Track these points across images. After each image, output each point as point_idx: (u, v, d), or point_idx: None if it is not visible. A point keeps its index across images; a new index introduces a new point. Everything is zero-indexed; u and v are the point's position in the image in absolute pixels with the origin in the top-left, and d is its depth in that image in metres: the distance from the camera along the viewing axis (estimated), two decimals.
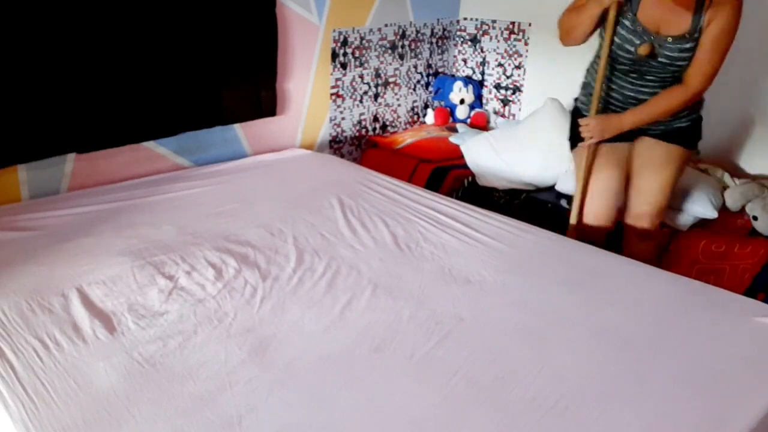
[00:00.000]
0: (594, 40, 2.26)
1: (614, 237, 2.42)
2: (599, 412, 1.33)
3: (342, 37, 3.17)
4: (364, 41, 3.29)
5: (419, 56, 3.65)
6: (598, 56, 2.24)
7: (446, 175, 3.10)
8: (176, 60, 2.47)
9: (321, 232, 2.12)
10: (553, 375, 1.43)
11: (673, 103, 2.10)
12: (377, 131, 3.57)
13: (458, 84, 3.71)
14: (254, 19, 2.69)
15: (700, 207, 2.52)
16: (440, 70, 3.84)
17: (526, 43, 3.56)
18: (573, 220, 2.38)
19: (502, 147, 3.05)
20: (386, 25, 3.38)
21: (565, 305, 1.73)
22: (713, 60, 2.01)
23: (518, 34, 3.58)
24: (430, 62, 3.74)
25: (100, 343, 1.49)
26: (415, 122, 3.79)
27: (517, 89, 3.67)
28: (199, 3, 2.48)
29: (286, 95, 2.99)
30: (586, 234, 2.34)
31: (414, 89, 3.71)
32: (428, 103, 3.84)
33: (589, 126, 2.22)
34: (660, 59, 2.07)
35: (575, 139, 2.38)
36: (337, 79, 3.23)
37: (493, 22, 3.66)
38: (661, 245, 2.41)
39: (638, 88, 2.17)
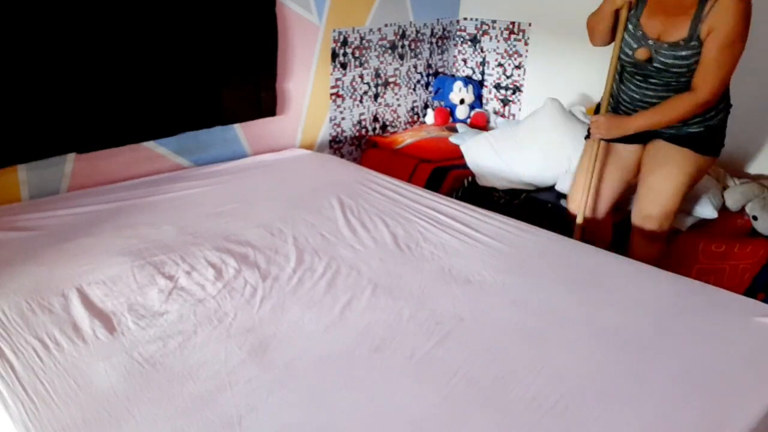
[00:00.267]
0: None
1: (620, 238, 2.42)
2: (599, 412, 1.33)
3: (342, 37, 3.17)
4: (364, 41, 3.29)
5: (419, 56, 3.65)
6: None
7: (446, 175, 3.10)
8: (176, 60, 2.47)
9: (321, 232, 2.12)
10: (553, 375, 1.43)
11: (680, 110, 2.08)
12: (377, 131, 3.57)
13: (458, 84, 3.71)
14: (254, 19, 2.69)
15: (700, 207, 2.52)
16: (440, 70, 3.84)
17: (526, 43, 3.56)
18: (573, 206, 2.46)
19: (502, 147, 3.05)
20: (386, 25, 3.38)
21: (565, 305, 1.73)
22: (719, 67, 1.99)
23: (518, 34, 3.58)
24: (430, 62, 3.75)
25: (100, 343, 1.49)
26: (415, 122, 3.79)
27: (517, 89, 3.67)
28: (199, 3, 2.48)
29: (286, 95, 2.99)
30: (588, 225, 2.41)
31: (414, 89, 3.71)
32: (428, 103, 3.84)
33: (598, 123, 2.25)
34: (655, 64, 2.08)
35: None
36: (337, 79, 3.23)
37: (493, 22, 3.66)
38: (666, 249, 2.40)
39: (643, 91, 2.18)
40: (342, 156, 3.39)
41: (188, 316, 1.61)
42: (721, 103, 2.14)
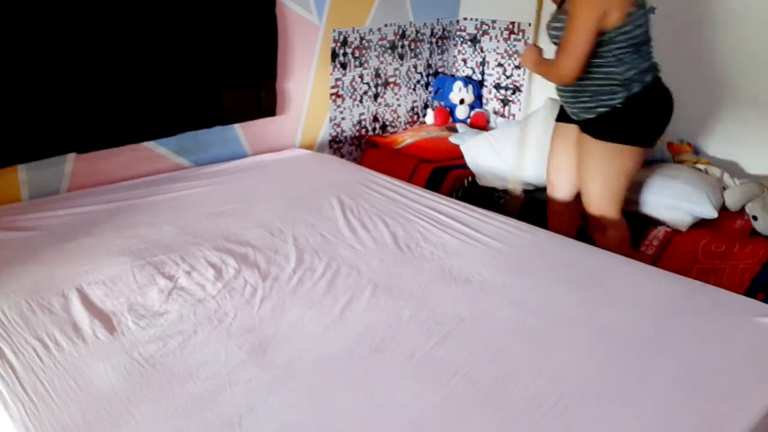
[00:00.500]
0: None
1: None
2: (599, 412, 1.33)
3: (342, 37, 3.17)
4: (364, 41, 3.29)
5: (419, 56, 3.65)
6: None
7: (446, 175, 3.10)
8: (176, 60, 2.47)
9: (321, 232, 2.12)
10: (553, 375, 1.43)
11: (548, 72, 2.29)
12: (377, 131, 3.57)
13: (458, 84, 3.71)
14: (254, 19, 2.69)
15: (700, 207, 2.52)
16: (440, 70, 3.84)
17: (526, 43, 3.55)
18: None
19: (502, 147, 3.04)
20: (386, 25, 3.38)
21: (565, 305, 1.73)
22: (566, 45, 2.15)
23: (518, 34, 3.58)
24: (429, 62, 3.75)
25: (100, 343, 1.49)
26: (415, 122, 3.79)
27: (516, 89, 3.67)
28: (199, 3, 2.48)
29: (286, 95, 2.99)
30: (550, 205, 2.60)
31: (414, 89, 3.71)
32: (428, 103, 3.84)
33: (525, 53, 2.44)
34: (548, 31, 2.33)
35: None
36: (337, 79, 3.23)
37: (493, 22, 3.66)
38: (625, 241, 2.43)
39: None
40: (342, 156, 3.39)
41: (188, 316, 1.61)
42: (618, 91, 2.19)
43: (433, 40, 3.71)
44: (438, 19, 3.69)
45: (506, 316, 1.67)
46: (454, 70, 3.93)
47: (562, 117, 2.48)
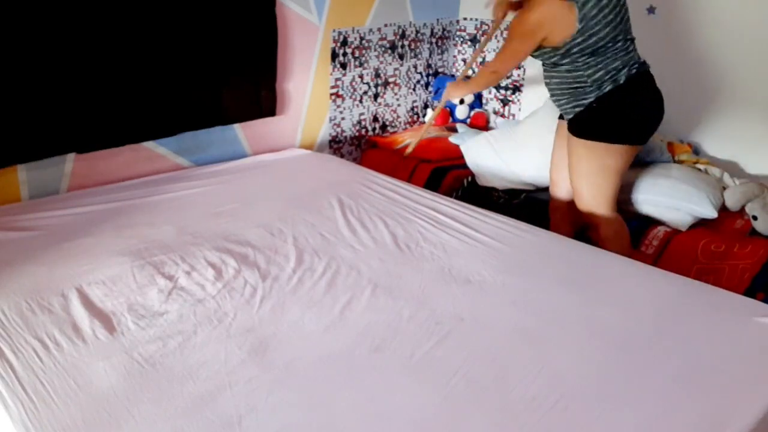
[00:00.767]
0: None
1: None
2: (599, 412, 1.33)
3: (342, 37, 3.17)
4: (363, 41, 3.29)
5: (419, 56, 3.65)
6: None
7: (446, 175, 3.10)
8: (176, 60, 2.47)
9: (321, 232, 2.12)
10: (552, 375, 1.43)
11: (480, 79, 2.52)
12: (377, 131, 3.57)
13: None
14: (254, 19, 2.69)
15: (700, 207, 2.52)
16: (440, 70, 3.84)
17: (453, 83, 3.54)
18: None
19: (501, 147, 3.04)
20: (386, 25, 3.37)
21: (565, 305, 1.73)
22: (501, 50, 2.32)
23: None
24: (429, 62, 3.74)
25: (100, 343, 1.49)
26: (414, 122, 3.79)
27: (516, 89, 3.67)
28: (199, 3, 2.48)
29: (285, 95, 2.99)
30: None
31: (414, 89, 3.70)
32: (428, 103, 3.84)
33: (449, 88, 2.60)
34: None
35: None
36: (337, 79, 3.23)
37: (493, 22, 3.65)
38: (621, 238, 2.44)
39: (552, 83, 2.40)
40: (342, 156, 3.39)
41: (188, 316, 1.61)
42: (589, 91, 2.23)
43: (433, 40, 3.71)
44: (438, 19, 3.69)
45: (506, 316, 1.67)
46: (454, 70, 3.93)
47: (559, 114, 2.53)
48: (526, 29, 2.18)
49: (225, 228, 2.11)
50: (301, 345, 1.52)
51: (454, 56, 3.90)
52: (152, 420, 1.25)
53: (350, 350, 1.50)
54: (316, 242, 2.05)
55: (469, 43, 3.80)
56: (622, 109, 2.24)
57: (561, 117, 2.51)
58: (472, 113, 3.75)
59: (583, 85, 2.23)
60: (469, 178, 3.10)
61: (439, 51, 3.78)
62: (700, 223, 2.58)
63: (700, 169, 2.77)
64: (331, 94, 3.24)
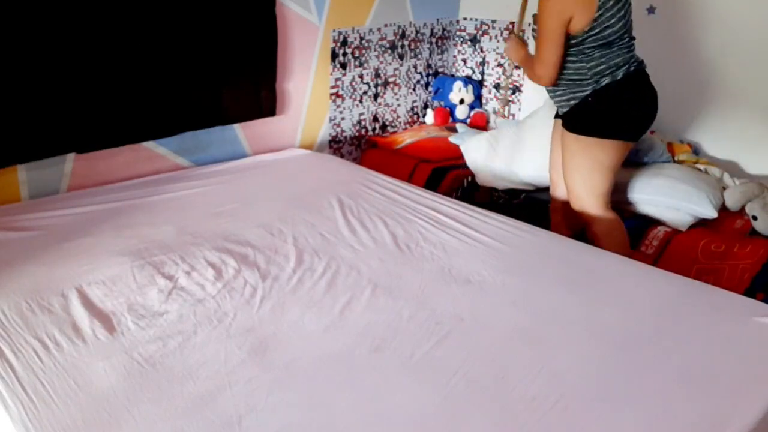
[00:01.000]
0: None
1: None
2: (599, 412, 1.33)
3: (342, 37, 3.17)
4: (363, 41, 3.29)
5: (419, 56, 3.65)
6: None
7: (445, 175, 3.10)
8: (176, 60, 2.47)
9: (321, 232, 2.12)
10: (552, 375, 1.43)
11: (528, 72, 2.37)
12: (377, 131, 3.57)
13: (458, 84, 3.71)
14: (254, 19, 2.69)
15: (699, 207, 2.52)
16: (440, 70, 3.84)
17: (525, 44, 3.55)
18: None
19: (501, 147, 3.05)
20: (386, 25, 3.38)
21: (565, 305, 1.73)
22: (538, 50, 2.25)
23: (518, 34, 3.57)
24: (429, 62, 3.74)
25: (100, 343, 1.49)
26: (414, 122, 3.79)
27: (516, 89, 3.67)
28: (199, 3, 2.48)
29: (285, 95, 2.99)
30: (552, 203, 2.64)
31: (414, 89, 3.70)
32: (428, 103, 3.84)
33: (509, 43, 2.54)
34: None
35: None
36: (337, 79, 3.23)
37: (493, 22, 3.66)
38: (616, 237, 2.43)
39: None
40: (342, 156, 3.39)
41: (188, 316, 1.61)
42: (586, 85, 2.24)
43: (433, 40, 3.71)
44: (438, 19, 3.69)
45: (506, 316, 1.67)
46: (453, 70, 3.93)
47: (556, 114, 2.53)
48: (555, 8, 2.15)
49: (225, 228, 2.11)
50: (301, 345, 1.52)
51: (454, 56, 3.90)
52: (152, 420, 1.25)
53: (350, 350, 1.50)
54: (316, 242, 2.05)
55: (469, 43, 3.80)
56: (618, 104, 2.24)
57: (557, 116, 2.50)
58: (472, 113, 3.76)
59: (582, 77, 2.24)
60: (469, 178, 3.10)
61: (439, 51, 3.78)
62: (700, 223, 2.58)
63: (700, 169, 2.77)
64: (331, 94, 3.24)
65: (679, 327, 1.64)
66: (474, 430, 1.27)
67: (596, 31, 2.15)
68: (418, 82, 3.71)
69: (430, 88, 3.81)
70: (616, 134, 2.26)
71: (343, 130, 3.37)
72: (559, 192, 2.59)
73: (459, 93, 3.71)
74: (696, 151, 3.02)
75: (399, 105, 3.65)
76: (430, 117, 3.77)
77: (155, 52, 2.40)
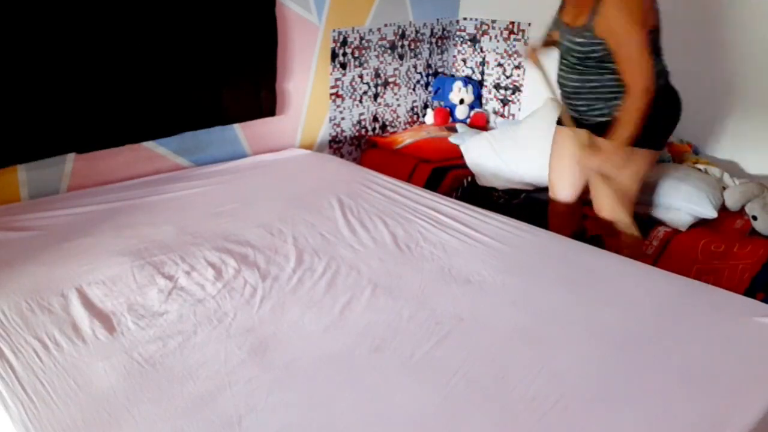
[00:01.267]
0: None
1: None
2: (599, 412, 1.33)
3: (341, 37, 3.17)
4: (363, 41, 3.29)
5: (419, 56, 3.65)
6: None
7: (445, 175, 3.10)
8: (176, 60, 2.47)
9: (321, 232, 2.12)
10: (552, 375, 1.43)
11: (631, 111, 2.09)
12: (377, 131, 3.57)
13: (458, 84, 3.71)
14: (254, 19, 2.69)
15: (699, 207, 2.52)
16: (440, 70, 3.84)
17: (525, 43, 3.56)
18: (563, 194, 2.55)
19: (501, 147, 3.05)
20: (386, 25, 3.38)
21: (565, 305, 1.73)
22: (631, 59, 2.06)
23: (518, 34, 3.58)
24: (429, 62, 3.74)
25: (100, 343, 1.49)
26: (414, 122, 3.79)
27: (516, 89, 3.67)
28: (199, 3, 2.48)
29: (285, 95, 2.99)
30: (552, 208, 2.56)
31: (413, 89, 3.70)
32: (428, 103, 3.84)
33: (612, 157, 2.18)
34: (561, 44, 2.27)
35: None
36: (337, 79, 3.23)
37: (493, 22, 3.66)
38: (638, 244, 2.41)
39: (559, 72, 2.33)
40: (342, 156, 3.39)
41: (188, 316, 1.61)
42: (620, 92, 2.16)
43: (433, 40, 3.71)
44: (438, 19, 3.69)
45: (506, 316, 1.67)
46: (453, 70, 3.93)
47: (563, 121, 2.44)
48: (639, 20, 2.02)
49: (225, 228, 2.11)
50: (301, 345, 1.52)
51: (454, 56, 3.90)
52: (152, 420, 1.25)
53: (350, 350, 1.50)
54: (316, 242, 2.05)
55: (468, 43, 3.80)
56: (659, 113, 2.17)
57: (559, 122, 2.46)
58: (472, 113, 3.76)
59: (624, 88, 2.13)
60: (469, 178, 3.10)
61: (439, 51, 3.78)
62: (700, 223, 2.58)
63: (700, 169, 2.77)
64: (331, 94, 3.24)
65: (679, 327, 1.64)
66: (474, 430, 1.27)
67: (653, 36, 2.10)
68: (418, 82, 3.71)
69: (430, 88, 3.81)
70: (656, 143, 2.25)
71: (343, 130, 3.37)
72: (562, 196, 2.54)
73: (459, 93, 3.71)
74: (696, 151, 3.02)
75: (399, 105, 3.65)
76: (430, 117, 3.77)
77: (155, 52, 2.40)
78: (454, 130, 3.56)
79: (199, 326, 1.57)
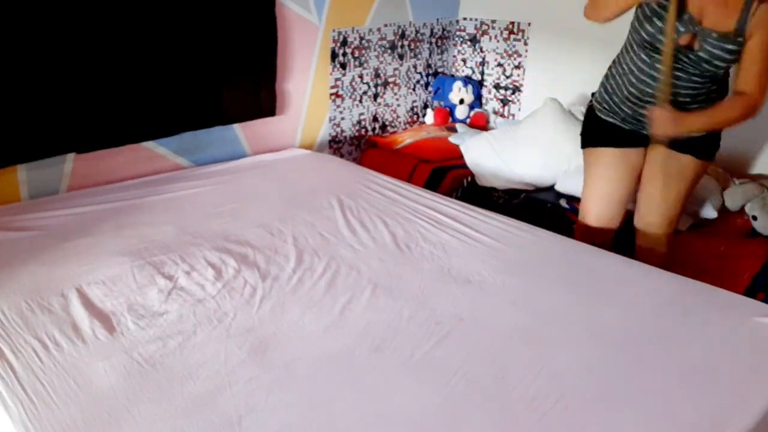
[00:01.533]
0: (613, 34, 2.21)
1: (625, 239, 2.39)
2: (599, 412, 1.33)
3: (341, 37, 3.17)
4: (363, 41, 3.29)
5: (419, 56, 3.65)
6: (627, 48, 2.10)
7: (445, 175, 3.10)
8: (176, 60, 2.47)
9: (320, 232, 2.12)
10: (552, 375, 1.43)
11: (735, 114, 1.98)
12: (377, 131, 3.57)
13: (458, 84, 3.71)
14: (254, 19, 2.69)
15: (700, 207, 2.52)
16: (440, 70, 3.84)
17: (525, 43, 3.56)
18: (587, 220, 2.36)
19: (501, 147, 3.05)
20: (386, 25, 3.38)
21: (565, 305, 1.73)
22: (763, 69, 1.90)
23: (518, 34, 3.58)
24: (429, 62, 3.74)
25: (100, 343, 1.49)
26: (414, 122, 3.79)
27: (516, 89, 3.67)
28: (199, 3, 2.48)
29: (285, 95, 2.99)
30: (591, 235, 2.31)
31: (413, 89, 3.71)
32: (428, 103, 3.84)
33: (660, 118, 1.99)
34: (699, 53, 1.94)
35: (588, 137, 2.31)
36: (337, 79, 3.23)
37: (493, 22, 3.66)
38: (670, 254, 2.35)
39: (674, 81, 2.00)
40: (342, 156, 3.39)
41: (188, 316, 1.61)
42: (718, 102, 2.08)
43: (433, 40, 3.71)
44: (438, 19, 3.69)
45: (506, 316, 1.67)
46: (453, 70, 3.93)
47: (617, 141, 2.19)
48: None
49: (225, 228, 2.11)
50: (301, 345, 1.52)
51: (454, 56, 3.90)
52: (152, 420, 1.25)
53: (350, 350, 1.50)
54: (316, 242, 2.05)
55: (468, 43, 3.80)
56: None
57: (614, 143, 2.20)
58: (472, 113, 3.76)
59: (719, 97, 2.05)
60: (469, 178, 3.10)
61: (439, 51, 3.79)
62: (701, 223, 2.58)
63: None
64: (331, 94, 3.24)
65: (679, 327, 1.64)
66: (474, 430, 1.27)
67: None
68: (417, 82, 3.71)
69: (429, 88, 3.81)
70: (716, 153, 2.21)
71: (342, 130, 3.37)
72: (601, 223, 2.31)
73: (459, 93, 3.71)
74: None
75: (399, 105, 3.65)
76: (429, 117, 3.77)
77: (155, 52, 2.40)
78: (454, 130, 3.56)
79: (199, 326, 1.57)
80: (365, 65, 3.35)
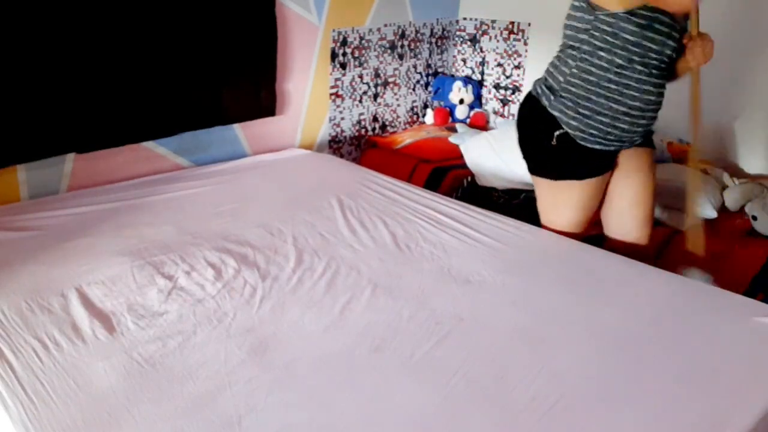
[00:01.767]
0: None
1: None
2: (599, 412, 1.33)
3: (341, 37, 3.17)
4: (363, 41, 3.29)
5: (419, 56, 3.65)
6: (607, 68, 1.96)
7: (445, 175, 3.10)
8: (176, 60, 2.47)
9: (320, 232, 2.12)
10: (552, 375, 1.43)
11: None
12: (377, 131, 3.57)
13: (458, 84, 3.71)
14: (254, 19, 2.69)
15: (700, 207, 2.52)
16: (440, 70, 3.84)
17: (525, 43, 3.56)
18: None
19: (501, 147, 3.04)
20: (386, 25, 3.38)
21: (565, 305, 1.73)
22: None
23: (518, 34, 3.58)
24: (429, 62, 3.75)
25: (100, 343, 1.49)
26: (414, 122, 3.79)
27: (516, 89, 3.67)
28: (199, 3, 2.48)
29: (285, 95, 2.99)
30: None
31: (413, 89, 3.71)
32: (428, 103, 3.84)
33: (702, 48, 1.96)
34: (665, 44, 1.95)
35: (571, 169, 2.11)
36: (337, 79, 3.23)
37: (493, 22, 3.66)
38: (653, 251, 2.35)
39: (661, 90, 2.03)
40: (341, 156, 3.39)
41: (188, 316, 1.61)
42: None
43: (433, 40, 3.71)
44: (438, 19, 3.69)
45: (506, 316, 1.67)
46: (453, 70, 3.93)
47: (602, 168, 2.11)
48: None
49: (225, 228, 2.11)
50: (301, 345, 1.52)
51: (454, 56, 3.90)
52: (152, 420, 1.25)
53: (350, 350, 1.50)
54: (315, 242, 2.05)
55: (468, 43, 3.80)
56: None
57: (599, 171, 2.10)
58: (472, 113, 3.76)
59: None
60: (469, 178, 3.10)
61: (439, 51, 3.79)
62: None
63: (700, 169, 2.77)
64: (331, 94, 3.24)
65: (679, 327, 1.64)
66: (474, 430, 1.27)
67: None
68: (417, 82, 3.71)
69: (429, 88, 3.81)
70: None
71: (342, 130, 3.37)
72: (608, 229, 2.28)
73: (459, 93, 3.71)
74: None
75: (399, 105, 3.65)
76: (429, 117, 3.77)
77: (155, 52, 2.40)
78: (454, 130, 3.56)
79: (199, 326, 1.57)
80: (365, 65, 3.35)
